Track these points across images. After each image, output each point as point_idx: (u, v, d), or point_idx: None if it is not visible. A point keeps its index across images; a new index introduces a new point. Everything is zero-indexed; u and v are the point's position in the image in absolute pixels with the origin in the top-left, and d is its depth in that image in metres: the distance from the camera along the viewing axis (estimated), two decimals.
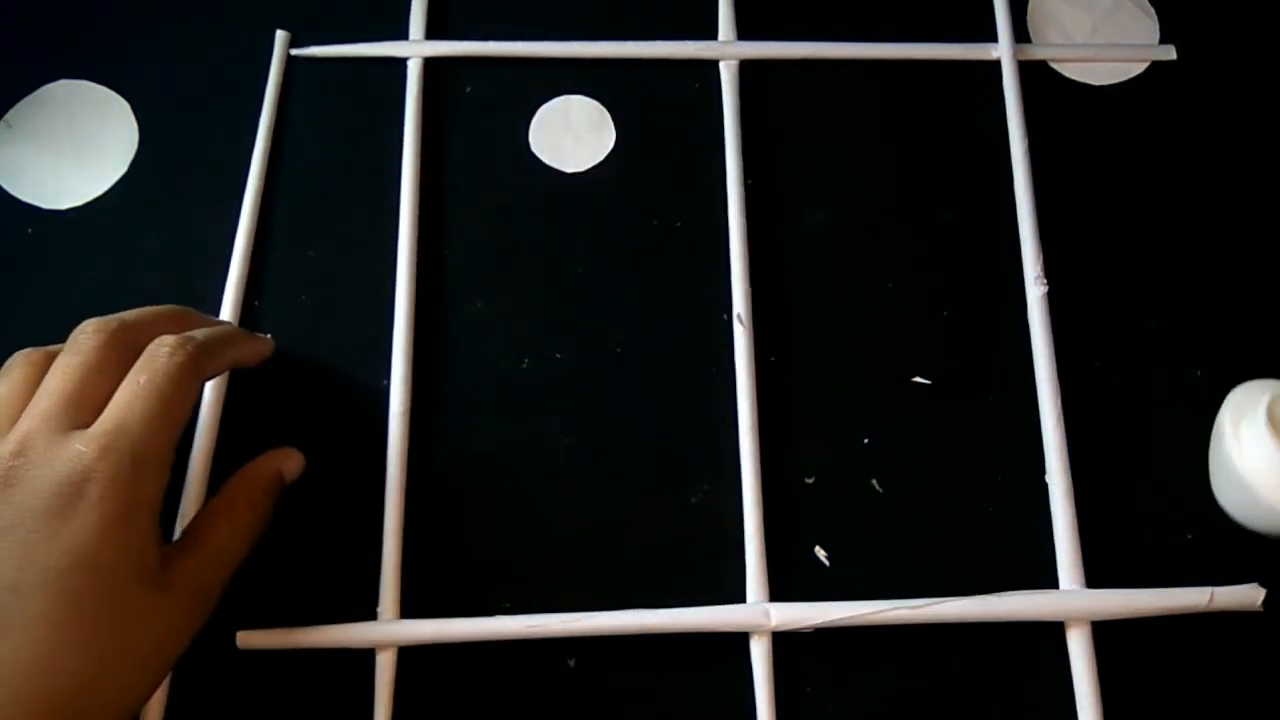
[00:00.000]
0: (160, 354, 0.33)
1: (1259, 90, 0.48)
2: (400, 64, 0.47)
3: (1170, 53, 0.48)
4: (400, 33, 0.47)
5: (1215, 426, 0.40)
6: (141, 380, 0.33)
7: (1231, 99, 0.48)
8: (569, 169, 0.46)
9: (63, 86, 0.47)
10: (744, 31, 0.48)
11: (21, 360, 0.34)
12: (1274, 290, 0.44)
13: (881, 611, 0.37)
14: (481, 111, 0.47)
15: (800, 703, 0.38)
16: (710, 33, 0.48)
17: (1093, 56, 0.48)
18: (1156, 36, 0.49)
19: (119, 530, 0.31)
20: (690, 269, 0.44)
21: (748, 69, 0.47)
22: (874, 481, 0.41)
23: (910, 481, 0.41)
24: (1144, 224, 0.45)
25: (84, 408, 0.32)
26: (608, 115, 0.47)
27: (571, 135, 0.46)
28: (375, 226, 0.44)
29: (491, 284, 0.44)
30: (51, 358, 0.34)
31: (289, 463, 0.39)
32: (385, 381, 0.41)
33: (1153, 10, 0.49)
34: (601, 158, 0.46)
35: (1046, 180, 0.45)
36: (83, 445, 0.31)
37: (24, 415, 0.32)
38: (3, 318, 0.43)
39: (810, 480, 0.41)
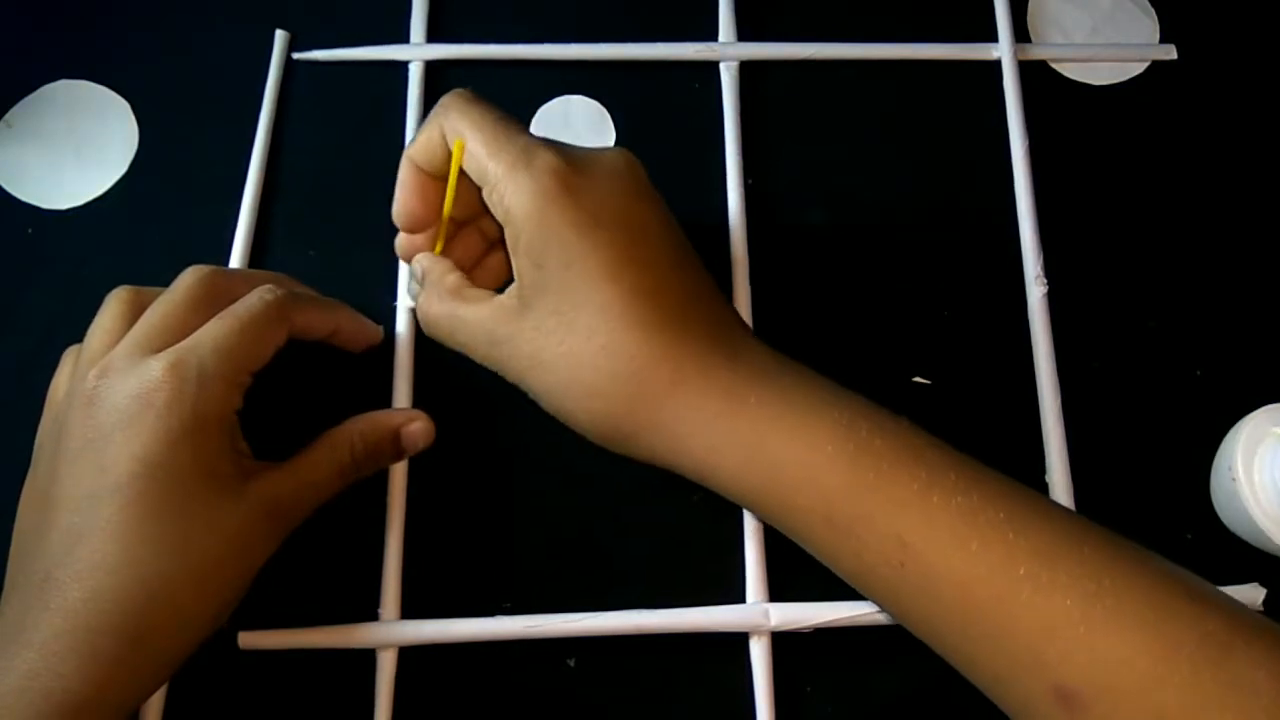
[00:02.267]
0: (251, 295, 0.36)
1: (1258, 90, 0.48)
2: (400, 67, 0.47)
3: (1170, 52, 0.48)
4: (401, 36, 0.47)
5: (1221, 457, 0.40)
6: (225, 313, 0.35)
7: (1231, 99, 0.48)
8: None
9: (63, 86, 0.47)
10: (744, 33, 0.48)
11: (117, 297, 0.36)
12: (1274, 290, 0.44)
13: (879, 612, 0.37)
14: None
15: (799, 702, 0.38)
16: (709, 34, 0.48)
17: (1093, 56, 0.48)
18: (1156, 36, 0.49)
19: (187, 438, 0.32)
20: None
21: (748, 70, 0.47)
22: None
23: None
24: (1144, 224, 0.45)
25: (168, 337, 0.34)
26: (608, 116, 0.47)
27: (571, 135, 0.46)
28: (375, 227, 0.44)
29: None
30: (147, 297, 0.36)
31: (413, 425, 0.38)
32: (386, 381, 0.41)
33: (1152, 10, 0.49)
34: None
35: (1046, 180, 0.45)
36: (155, 363, 0.33)
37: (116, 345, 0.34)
38: (3, 318, 0.43)
39: None
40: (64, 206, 0.45)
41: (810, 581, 0.39)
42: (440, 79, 0.47)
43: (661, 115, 0.47)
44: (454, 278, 0.36)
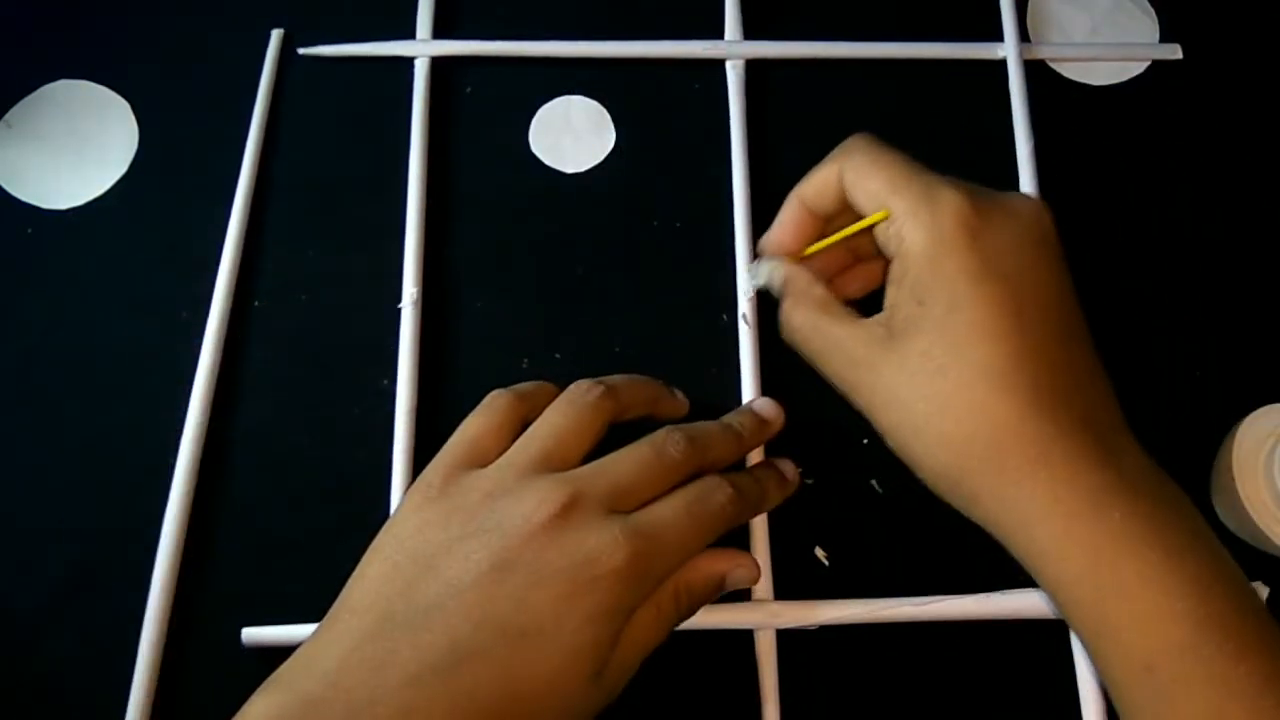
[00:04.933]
0: (718, 493, 0.34)
1: (1258, 89, 0.48)
2: (403, 63, 0.46)
3: (1174, 51, 0.48)
4: (403, 33, 0.47)
5: (1221, 457, 0.40)
6: (690, 507, 0.34)
7: (1231, 99, 0.48)
8: (569, 169, 0.46)
9: (63, 86, 0.47)
10: (749, 31, 0.48)
11: (500, 402, 0.36)
12: (1274, 290, 0.44)
13: (887, 609, 0.37)
14: (482, 112, 0.47)
15: (805, 700, 0.38)
16: (711, 34, 0.48)
17: (1096, 56, 0.48)
18: (1156, 36, 0.49)
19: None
20: (691, 269, 0.44)
21: (754, 68, 0.47)
22: (874, 481, 0.41)
23: (910, 481, 0.41)
24: (1144, 224, 0.45)
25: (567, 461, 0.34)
26: (608, 115, 0.47)
27: (571, 135, 0.46)
28: (375, 226, 0.44)
29: (492, 284, 0.44)
30: (526, 403, 0.36)
31: (738, 573, 0.36)
32: (386, 381, 0.41)
33: (1152, 10, 0.50)
34: (601, 158, 0.46)
35: (1047, 179, 0.45)
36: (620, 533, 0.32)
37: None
38: (3, 318, 0.43)
39: (810, 480, 0.41)
40: (64, 206, 0.44)
41: (810, 582, 0.39)
42: (441, 77, 0.47)
43: (662, 115, 0.47)
44: (821, 291, 0.35)
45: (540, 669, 0.30)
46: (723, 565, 0.35)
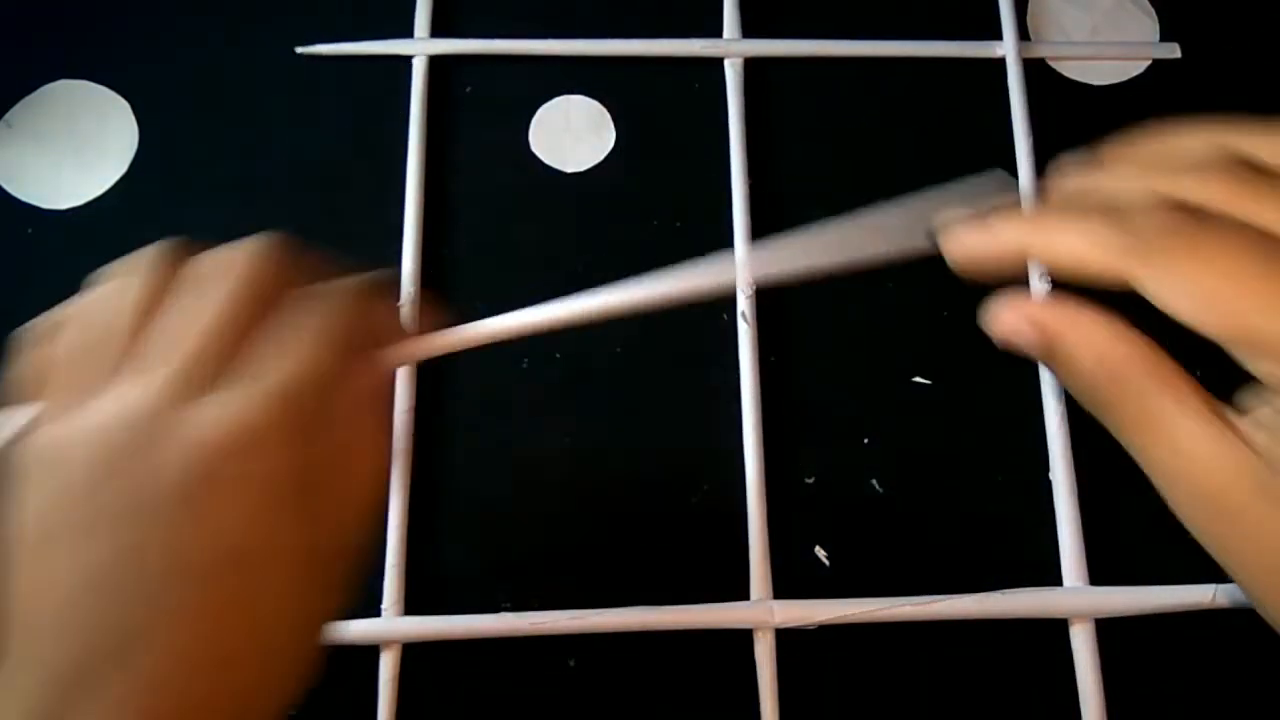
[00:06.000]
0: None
1: (1257, 89, 0.48)
2: (401, 62, 0.46)
3: (1173, 50, 0.48)
4: (401, 31, 0.47)
5: None
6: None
7: (1230, 98, 0.48)
8: (569, 169, 0.46)
9: (63, 86, 0.47)
10: (748, 30, 0.48)
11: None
12: None
13: (886, 609, 0.37)
14: (482, 111, 0.47)
15: (803, 700, 0.38)
16: (711, 32, 0.48)
17: (1095, 55, 0.48)
18: (1156, 36, 0.49)
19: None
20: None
21: (752, 67, 0.47)
22: (874, 481, 0.41)
23: (910, 481, 0.41)
24: None
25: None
26: (608, 115, 0.47)
27: (571, 135, 0.46)
28: (375, 226, 0.44)
29: (491, 284, 0.44)
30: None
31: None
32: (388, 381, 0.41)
33: (1152, 10, 0.50)
34: (601, 158, 0.46)
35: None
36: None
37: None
38: (3, 318, 0.42)
39: (810, 480, 0.41)
40: (64, 206, 0.44)
41: (810, 582, 0.39)
42: (441, 75, 0.47)
43: (662, 114, 0.47)
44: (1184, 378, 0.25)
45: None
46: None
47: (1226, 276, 0.22)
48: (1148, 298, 0.23)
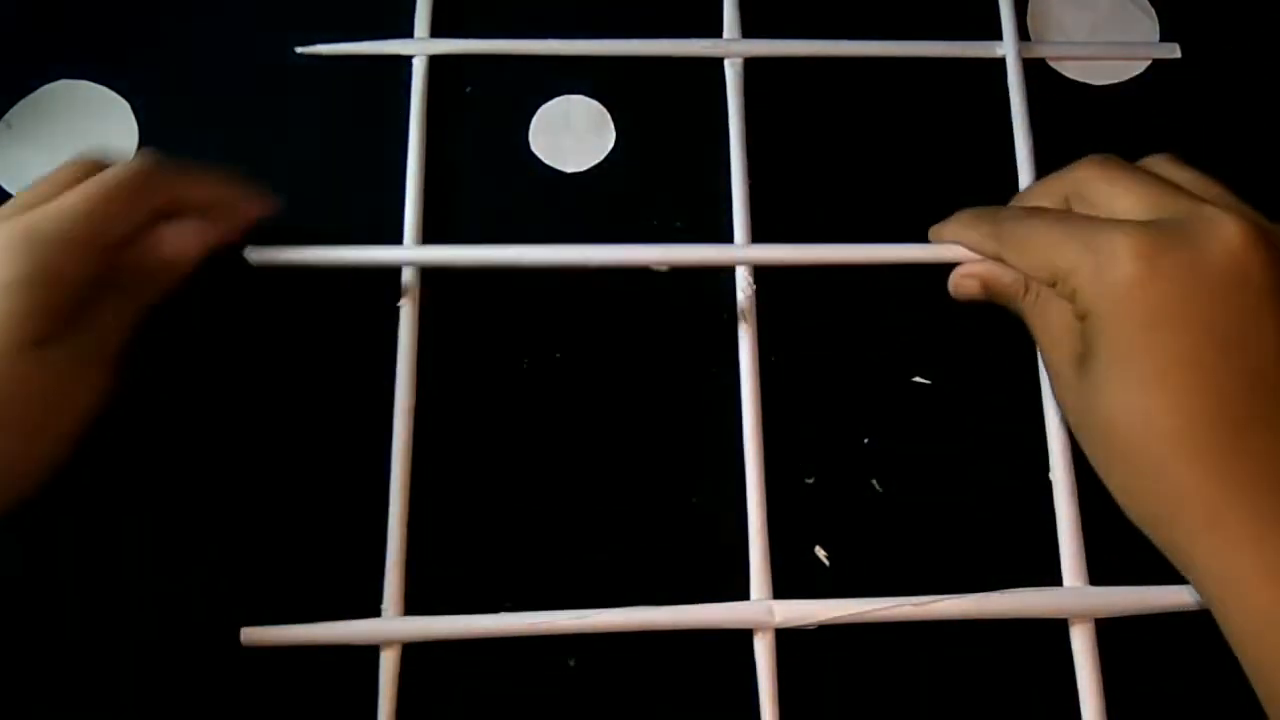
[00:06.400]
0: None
1: (1257, 89, 0.48)
2: (401, 62, 0.46)
3: (1174, 50, 0.48)
4: (401, 31, 0.47)
5: None
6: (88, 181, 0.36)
7: (1230, 98, 0.48)
8: (569, 169, 0.46)
9: (63, 86, 0.47)
10: (748, 29, 0.48)
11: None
12: None
13: (886, 609, 0.37)
14: (481, 111, 0.47)
15: (803, 700, 0.38)
16: (711, 32, 0.48)
17: (1095, 55, 0.48)
18: (1156, 36, 0.49)
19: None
20: (691, 268, 0.44)
21: (752, 67, 0.47)
22: (874, 481, 0.41)
23: (910, 481, 0.41)
24: None
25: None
26: (608, 115, 0.47)
27: (571, 135, 0.46)
28: (375, 226, 0.44)
29: (491, 284, 0.44)
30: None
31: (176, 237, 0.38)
32: (388, 380, 0.41)
33: (1152, 10, 0.49)
34: (601, 158, 0.46)
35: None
36: None
37: None
38: None
39: (810, 480, 0.41)
40: None
41: (810, 582, 0.39)
42: (441, 75, 0.47)
43: (662, 114, 0.47)
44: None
45: None
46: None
47: (1040, 238, 0.34)
48: (1008, 263, 0.36)
